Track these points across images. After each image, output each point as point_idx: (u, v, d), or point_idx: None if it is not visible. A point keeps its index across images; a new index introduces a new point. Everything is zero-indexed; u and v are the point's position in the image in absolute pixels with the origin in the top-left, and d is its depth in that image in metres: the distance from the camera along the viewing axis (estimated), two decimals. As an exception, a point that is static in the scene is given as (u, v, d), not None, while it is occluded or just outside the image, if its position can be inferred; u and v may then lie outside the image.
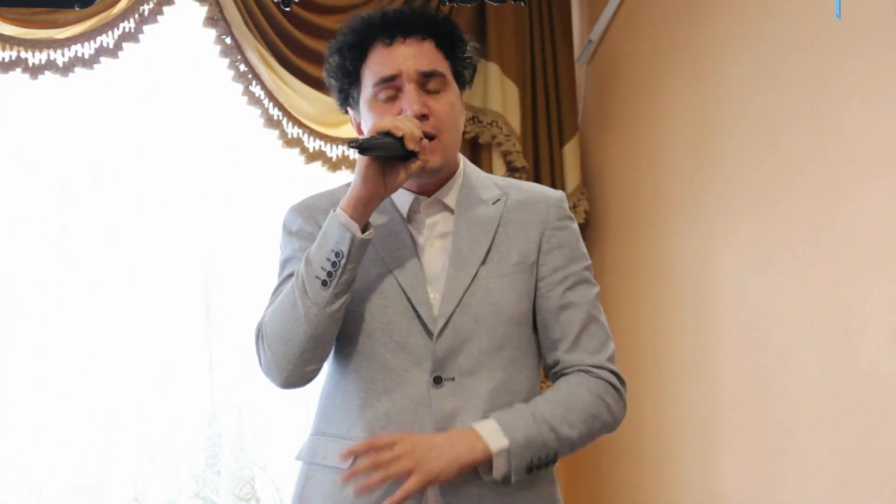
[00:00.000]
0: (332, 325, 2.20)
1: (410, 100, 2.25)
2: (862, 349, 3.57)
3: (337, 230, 2.17)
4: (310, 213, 2.34)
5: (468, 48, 2.36)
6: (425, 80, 2.28)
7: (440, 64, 2.30)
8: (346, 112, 2.40)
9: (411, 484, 2.12)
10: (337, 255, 2.16)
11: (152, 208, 4.41)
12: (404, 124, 2.18)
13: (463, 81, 2.37)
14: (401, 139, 2.16)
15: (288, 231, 2.36)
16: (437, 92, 2.28)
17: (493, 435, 2.17)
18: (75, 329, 4.28)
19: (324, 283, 2.16)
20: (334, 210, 2.19)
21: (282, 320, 2.21)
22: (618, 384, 2.32)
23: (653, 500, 4.54)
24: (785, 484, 3.89)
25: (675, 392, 4.44)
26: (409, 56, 2.27)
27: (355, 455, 2.15)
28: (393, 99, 2.27)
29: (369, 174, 2.17)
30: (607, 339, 2.35)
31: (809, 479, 3.78)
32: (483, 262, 2.29)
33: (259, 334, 2.26)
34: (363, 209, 2.18)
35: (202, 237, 4.47)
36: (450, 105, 2.29)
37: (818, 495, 3.72)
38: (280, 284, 2.32)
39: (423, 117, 2.25)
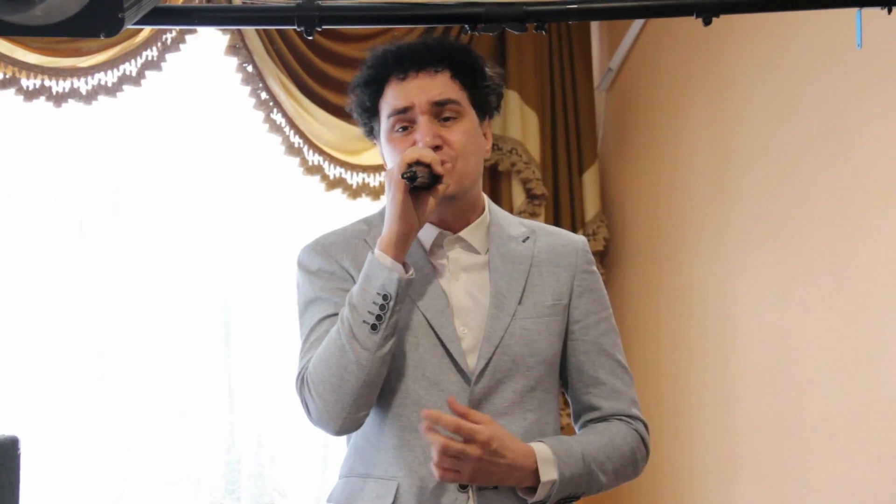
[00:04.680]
0: (383, 368, 2.20)
1: (423, 131, 2.26)
2: (883, 379, 3.56)
3: (382, 273, 2.17)
4: (327, 252, 2.33)
5: (488, 76, 2.36)
6: (439, 110, 2.29)
7: (454, 93, 2.30)
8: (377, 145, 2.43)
9: (451, 480, 2.17)
10: (385, 297, 2.16)
11: (172, 236, 4.42)
12: (427, 151, 2.20)
13: (486, 109, 2.37)
14: (429, 166, 2.18)
15: (307, 270, 2.34)
16: (451, 120, 2.29)
17: (546, 466, 2.20)
18: (94, 356, 4.29)
19: (373, 328, 2.16)
20: (372, 252, 2.20)
21: (331, 368, 2.19)
22: (647, 438, 2.37)
23: (672, 529, 4.52)
24: (806, 513, 3.87)
25: (694, 420, 4.43)
26: (422, 88, 2.28)
27: (434, 422, 2.14)
28: (408, 130, 2.29)
29: (406, 209, 2.18)
30: (634, 386, 2.40)
31: (830, 509, 3.76)
32: (519, 302, 2.30)
33: (304, 384, 2.24)
34: (403, 246, 2.19)
35: (222, 265, 4.48)
36: (464, 134, 2.29)
37: (839, 525, 3.70)
38: (313, 329, 2.30)
39: (436, 148, 2.26)
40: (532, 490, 2.21)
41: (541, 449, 2.21)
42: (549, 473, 2.20)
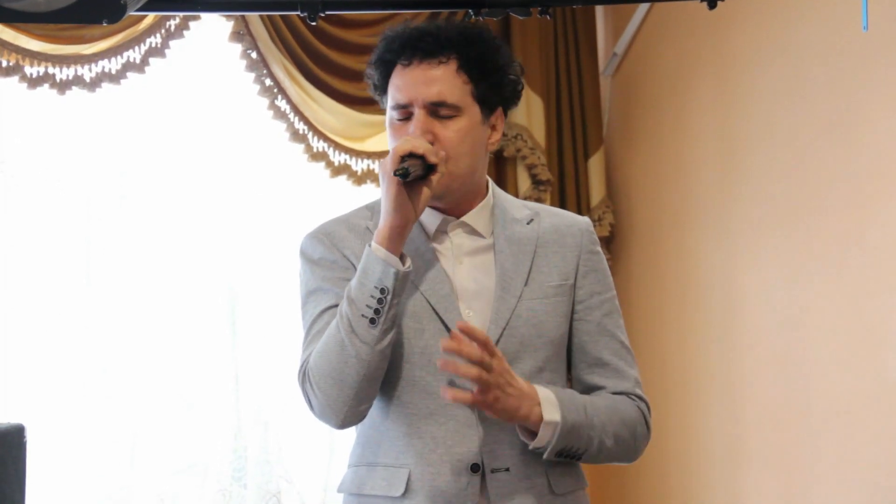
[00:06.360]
0: (383, 361, 2.20)
1: (416, 126, 2.24)
2: (890, 364, 3.55)
3: (378, 266, 2.16)
4: (330, 240, 2.32)
5: (501, 65, 2.30)
6: (436, 108, 2.26)
7: (455, 90, 2.26)
8: None
9: (469, 400, 2.14)
10: (382, 291, 2.16)
11: (178, 223, 4.42)
12: (420, 142, 2.19)
13: (496, 101, 2.31)
14: (422, 157, 2.17)
15: (309, 259, 2.33)
16: (448, 118, 2.26)
17: (549, 406, 2.20)
18: (101, 344, 4.29)
19: (371, 322, 2.16)
20: (369, 245, 2.19)
21: (331, 363, 2.19)
22: (649, 418, 2.36)
23: (679, 515, 4.52)
24: (812, 498, 3.86)
25: (701, 405, 4.42)
26: (422, 82, 2.25)
27: (459, 344, 2.12)
28: (406, 120, 2.28)
29: (401, 201, 2.17)
30: (637, 366, 2.39)
31: (837, 494, 3.76)
32: (525, 284, 2.30)
33: (306, 378, 2.24)
34: (399, 239, 2.18)
35: (227, 252, 4.47)
36: (458, 133, 2.25)
37: (847, 510, 3.70)
38: (315, 320, 2.29)
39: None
40: (534, 436, 2.20)
41: (543, 391, 2.21)
42: (552, 414, 2.19)
